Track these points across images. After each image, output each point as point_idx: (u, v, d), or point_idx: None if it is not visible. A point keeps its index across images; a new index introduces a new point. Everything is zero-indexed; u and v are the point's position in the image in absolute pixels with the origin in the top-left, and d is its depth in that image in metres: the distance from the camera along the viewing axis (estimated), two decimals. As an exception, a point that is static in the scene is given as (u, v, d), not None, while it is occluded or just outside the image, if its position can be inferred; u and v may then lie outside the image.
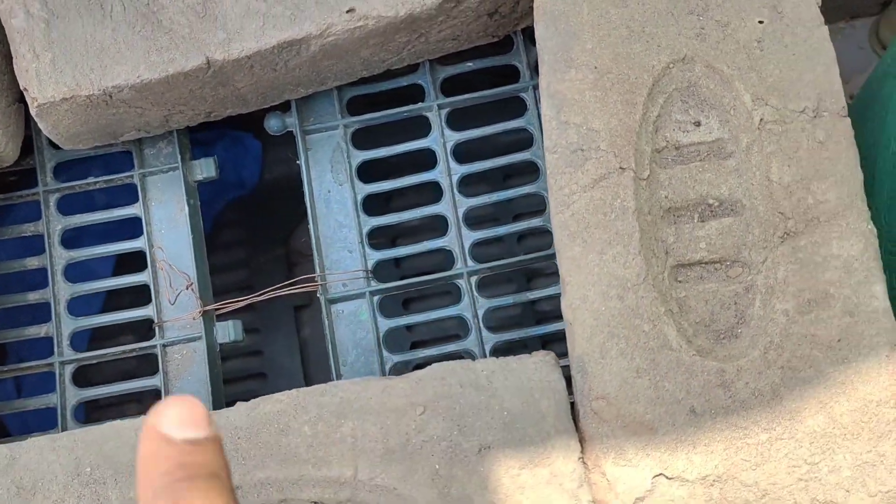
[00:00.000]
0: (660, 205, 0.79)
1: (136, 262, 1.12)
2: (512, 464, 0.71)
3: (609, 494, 0.71)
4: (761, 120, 0.77)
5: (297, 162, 1.00)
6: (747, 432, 0.71)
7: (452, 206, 0.98)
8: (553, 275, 1.18)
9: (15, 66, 0.87)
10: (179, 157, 0.99)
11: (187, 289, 0.94)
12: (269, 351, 1.48)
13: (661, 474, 0.71)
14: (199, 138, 1.26)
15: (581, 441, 0.73)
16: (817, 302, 0.73)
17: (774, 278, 0.74)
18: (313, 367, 1.48)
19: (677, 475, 0.71)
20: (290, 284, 0.96)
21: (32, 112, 0.87)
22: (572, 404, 0.75)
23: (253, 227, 1.53)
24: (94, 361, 0.96)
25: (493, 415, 0.73)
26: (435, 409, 0.74)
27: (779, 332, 0.73)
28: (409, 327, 1.41)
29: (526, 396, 0.74)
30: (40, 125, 0.90)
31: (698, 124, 0.80)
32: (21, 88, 0.87)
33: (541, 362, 0.76)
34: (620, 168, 0.78)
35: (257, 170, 1.51)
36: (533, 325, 0.96)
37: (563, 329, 0.92)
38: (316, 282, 0.96)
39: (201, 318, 0.94)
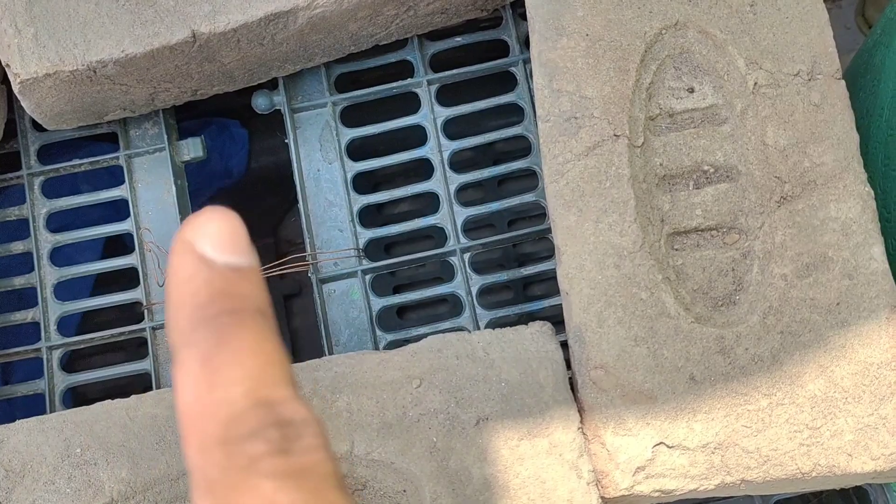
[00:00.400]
0: (654, 172, 0.78)
1: (126, 247, 1.11)
2: (510, 435, 0.70)
3: (609, 464, 0.70)
4: (755, 84, 0.77)
5: (286, 140, 0.98)
6: (748, 398, 0.70)
7: (444, 182, 0.97)
8: (545, 258, 1.18)
9: (-4, 44, 0.85)
10: (166, 137, 0.97)
11: (176, 270, 0.93)
12: (259, 340, 1.46)
13: (661, 443, 0.70)
14: (184, 126, 1.25)
15: (580, 411, 0.72)
16: (816, 265, 0.72)
17: (772, 243, 0.73)
18: (304, 357, 1.47)
19: (678, 443, 0.70)
20: (281, 264, 0.94)
21: (15, 89, 0.85)
22: (570, 375, 0.74)
23: (240, 216, 1.51)
24: (83, 346, 0.95)
25: (490, 386, 0.72)
26: (431, 382, 0.73)
27: (777, 297, 0.72)
28: (400, 314, 1.40)
29: (524, 367, 0.73)
30: (23, 103, 0.88)
31: (692, 91, 0.79)
32: (3, 65, 0.85)
33: (538, 333, 0.75)
34: (615, 135, 0.77)
35: (244, 158, 1.49)
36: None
37: (559, 306, 0.91)
38: (307, 261, 0.94)
39: (191, 299, 0.92)
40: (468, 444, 0.70)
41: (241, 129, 1.45)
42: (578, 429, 0.71)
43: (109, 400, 0.76)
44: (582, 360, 0.73)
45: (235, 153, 1.48)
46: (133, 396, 0.76)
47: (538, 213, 1.26)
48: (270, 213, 1.52)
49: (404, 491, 0.70)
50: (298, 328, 1.48)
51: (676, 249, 0.76)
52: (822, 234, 0.72)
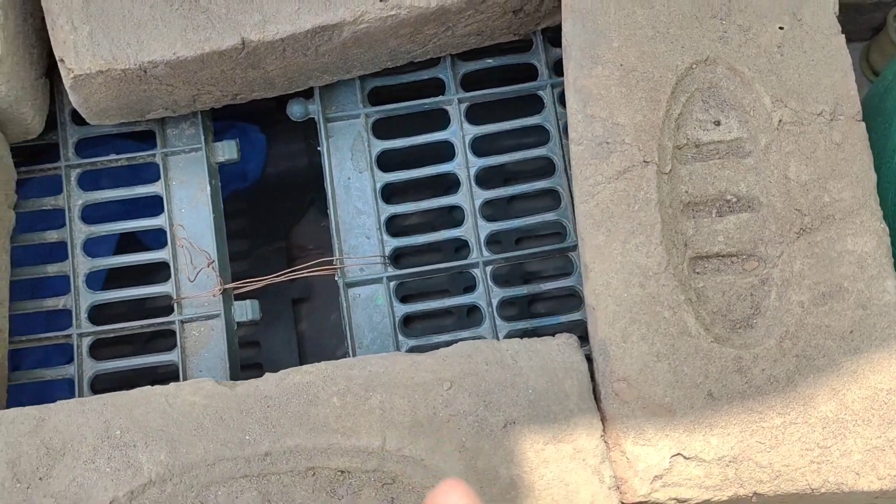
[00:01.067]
0: (680, 199, 0.82)
1: (139, 243, 1.14)
2: (536, 439, 0.74)
3: (629, 472, 0.74)
4: (780, 121, 0.81)
5: (318, 148, 1.02)
6: (762, 416, 0.74)
7: (470, 197, 1.00)
8: (553, 276, 1.22)
9: (52, 38, 0.88)
10: (203, 138, 1.01)
11: (208, 266, 0.96)
12: (266, 343, 1.49)
13: (679, 454, 0.74)
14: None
15: (602, 421, 0.76)
16: (831, 295, 0.76)
17: (790, 271, 0.78)
18: (310, 361, 1.49)
19: (695, 455, 0.73)
20: (310, 266, 0.98)
21: (67, 84, 0.89)
22: (593, 386, 0.78)
23: (254, 219, 1.55)
24: (112, 335, 0.97)
25: (518, 392, 0.76)
26: (461, 385, 0.76)
27: (794, 323, 0.76)
28: (406, 322, 1.43)
29: (550, 376, 0.76)
30: (72, 98, 0.91)
31: (718, 123, 0.83)
32: (57, 59, 0.88)
33: (564, 344, 0.78)
34: (644, 161, 0.81)
35: (261, 163, 1.52)
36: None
37: (577, 321, 0.95)
38: (334, 265, 0.97)
39: (221, 295, 0.96)
40: (496, 446, 0.74)
41: (260, 134, 1.48)
42: (601, 436, 0.74)
43: (149, 386, 0.79)
44: (605, 373, 0.77)
45: (253, 157, 1.51)
46: (172, 384, 0.79)
47: (546, 232, 1.30)
48: (283, 217, 1.55)
49: (433, 487, 0.73)
50: (305, 331, 1.50)
51: (698, 273, 0.80)
52: (838, 265, 0.77)
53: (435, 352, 0.79)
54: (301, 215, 1.57)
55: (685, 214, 0.82)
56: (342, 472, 0.74)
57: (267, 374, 0.79)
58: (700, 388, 0.75)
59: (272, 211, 1.54)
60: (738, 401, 0.74)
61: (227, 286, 0.97)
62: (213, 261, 0.97)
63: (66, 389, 1.01)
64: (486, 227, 0.99)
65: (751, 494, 0.73)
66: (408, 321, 1.42)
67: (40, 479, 0.74)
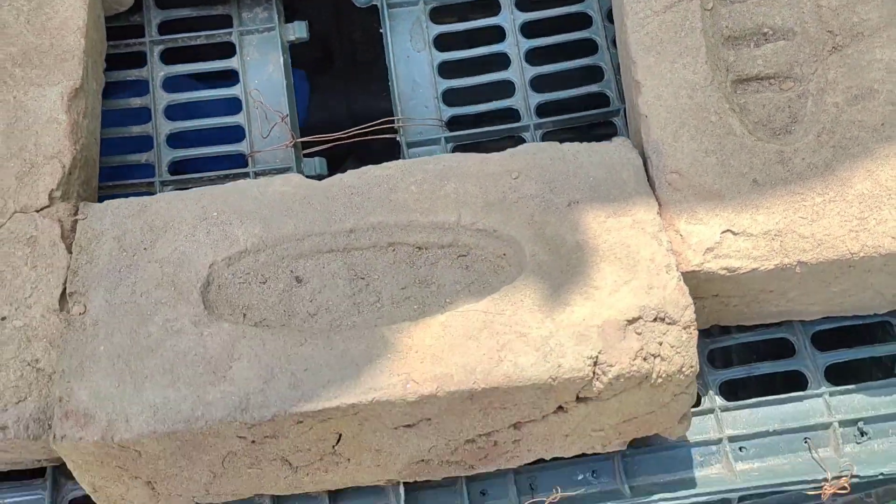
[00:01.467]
0: (721, 33, 0.91)
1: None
2: (598, 213, 0.81)
3: (682, 246, 0.81)
4: (811, -39, 0.90)
5: (380, 30, 1.11)
6: (803, 197, 0.81)
7: (521, 72, 1.09)
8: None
9: None
10: (276, 19, 1.10)
11: (282, 121, 1.04)
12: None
13: (728, 230, 0.81)
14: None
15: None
16: (863, 96, 0.84)
17: (825, 80, 0.86)
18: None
19: (743, 230, 0.81)
20: (374, 125, 1.06)
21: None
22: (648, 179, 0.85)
23: (297, 163, 1.63)
24: (187, 187, 1.05)
25: (580, 180, 0.83)
26: (528, 175, 0.83)
27: (830, 120, 0.84)
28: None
29: (608, 168, 0.84)
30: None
31: (754, -28, 0.93)
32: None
33: (620, 145, 0.86)
34: (689, -2, 0.90)
35: (304, 110, 1.60)
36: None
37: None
38: (396, 125, 1.06)
39: (292, 149, 1.04)
40: (561, 219, 0.81)
41: (305, 81, 1.56)
42: (657, 213, 0.81)
43: (242, 179, 0.86)
44: (659, 167, 0.84)
45: (296, 104, 1.59)
46: (263, 177, 0.86)
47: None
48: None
49: (504, 255, 0.80)
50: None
51: (739, 93, 0.89)
52: (868, 72, 0.85)
53: (503, 151, 0.86)
54: (341, 163, 1.65)
55: (726, 46, 0.90)
56: (420, 247, 0.81)
57: (349, 170, 0.86)
58: (746, 177, 0.83)
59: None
60: (780, 185, 0.82)
61: (299, 140, 1.05)
62: (286, 115, 1.05)
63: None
64: (536, 97, 1.08)
65: (794, 263, 0.79)
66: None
67: (145, 248, 0.81)
